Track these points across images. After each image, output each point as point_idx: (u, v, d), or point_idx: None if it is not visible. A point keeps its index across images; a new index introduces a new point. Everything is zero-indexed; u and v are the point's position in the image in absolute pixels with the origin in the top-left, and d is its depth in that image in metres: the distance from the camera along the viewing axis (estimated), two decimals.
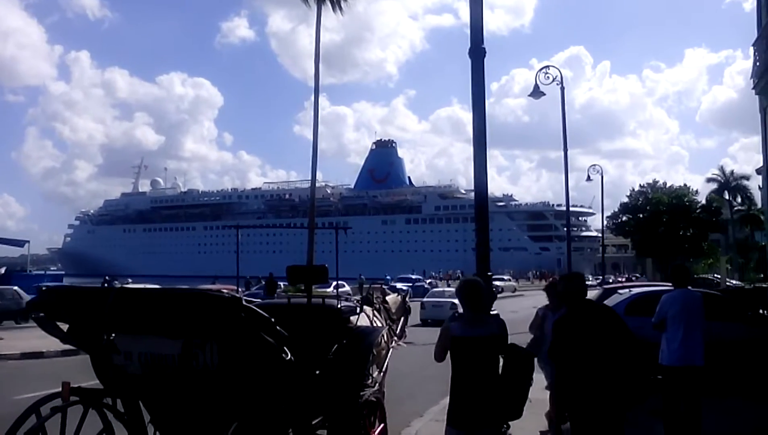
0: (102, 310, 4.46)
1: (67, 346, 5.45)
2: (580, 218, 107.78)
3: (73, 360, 10.23)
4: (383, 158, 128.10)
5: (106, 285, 26.57)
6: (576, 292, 4.83)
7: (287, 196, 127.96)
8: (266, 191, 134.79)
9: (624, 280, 48.22)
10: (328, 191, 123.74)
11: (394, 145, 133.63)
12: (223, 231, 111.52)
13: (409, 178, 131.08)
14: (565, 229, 32.79)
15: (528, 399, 4.31)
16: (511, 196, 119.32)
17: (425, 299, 27.01)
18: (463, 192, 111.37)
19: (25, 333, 15.91)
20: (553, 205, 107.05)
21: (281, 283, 26.15)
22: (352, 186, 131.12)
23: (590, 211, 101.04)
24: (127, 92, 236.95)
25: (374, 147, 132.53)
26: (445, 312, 23.18)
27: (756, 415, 8.46)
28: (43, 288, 5.18)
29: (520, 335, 5.39)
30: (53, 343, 7.64)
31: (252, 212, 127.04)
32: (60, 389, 4.52)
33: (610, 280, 42.41)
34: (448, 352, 4.27)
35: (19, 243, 31.05)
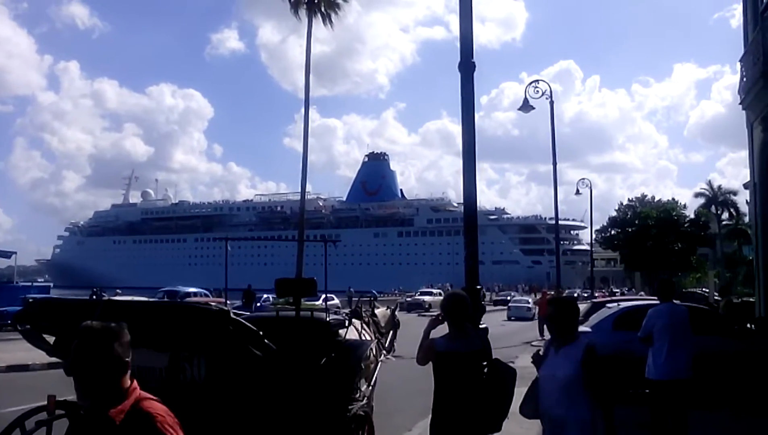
0: None
1: (54, 359, 5.42)
2: (571, 232, 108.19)
3: (59, 373, 10.11)
4: (375, 171, 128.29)
5: (94, 297, 26.38)
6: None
7: (279, 208, 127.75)
8: (258, 203, 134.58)
9: (603, 294, 47.99)
10: (320, 203, 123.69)
11: (386, 157, 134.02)
12: (214, 243, 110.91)
13: (401, 190, 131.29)
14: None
15: (507, 416, 4.32)
16: (503, 209, 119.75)
17: (510, 303, 38.87)
18: (455, 205, 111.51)
19: (10, 345, 15.73)
20: (545, 218, 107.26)
21: (270, 296, 26.24)
22: (344, 198, 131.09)
23: (582, 224, 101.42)
24: (116, 103, 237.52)
25: (366, 159, 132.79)
26: (523, 312, 33.69)
27: (743, 428, 8.49)
28: (30, 300, 5.16)
29: (506, 349, 5.39)
30: (39, 356, 7.57)
31: (243, 224, 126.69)
32: (46, 403, 4.49)
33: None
34: (432, 364, 4.29)
35: (6, 254, 30.70)
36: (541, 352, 4.22)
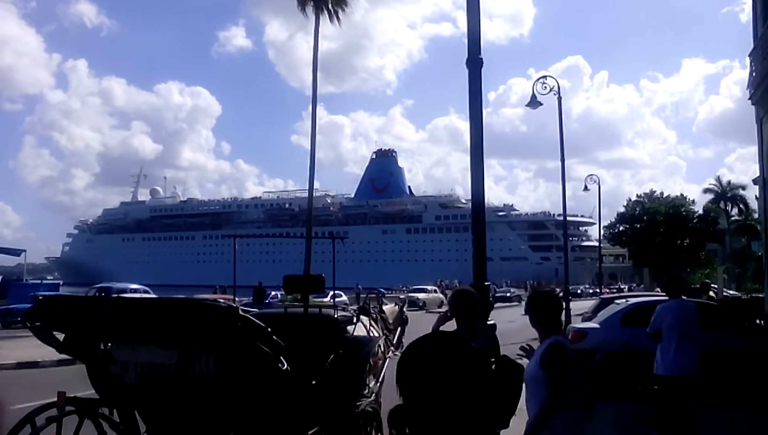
0: (98, 320, 4.48)
1: (64, 356, 5.47)
2: (580, 228, 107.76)
3: (69, 369, 10.20)
4: (384, 168, 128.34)
5: (103, 294, 26.55)
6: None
7: (287, 205, 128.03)
8: (266, 200, 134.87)
9: (608, 291, 47.63)
10: (329, 201, 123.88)
11: (394, 154, 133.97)
12: (223, 240, 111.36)
13: (409, 187, 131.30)
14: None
15: (515, 413, 4.32)
16: (512, 205, 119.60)
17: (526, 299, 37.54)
18: (464, 202, 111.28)
19: (21, 342, 15.87)
20: (553, 214, 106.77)
21: (279, 293, 26.32)
22: (352, 195, 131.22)
23: (591, 220, 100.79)
24: (124, 101, 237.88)
25: (374, 156, 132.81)
26: None
27: (752, 425, 8.45)
28: (40, 297, 5.20)
29: (514, 346, 5.36)
30: (49, 353, 7.63)
31: (252, 221, 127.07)
32: (56, 399, 4.53)
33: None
34: None
35: (16, 252, 30.98)
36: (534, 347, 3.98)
